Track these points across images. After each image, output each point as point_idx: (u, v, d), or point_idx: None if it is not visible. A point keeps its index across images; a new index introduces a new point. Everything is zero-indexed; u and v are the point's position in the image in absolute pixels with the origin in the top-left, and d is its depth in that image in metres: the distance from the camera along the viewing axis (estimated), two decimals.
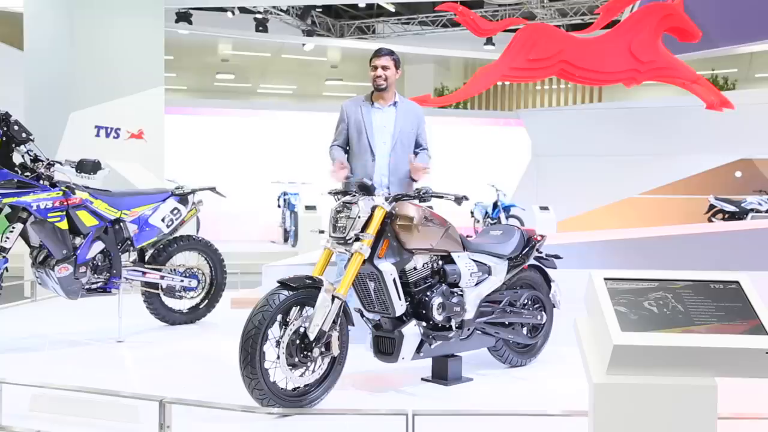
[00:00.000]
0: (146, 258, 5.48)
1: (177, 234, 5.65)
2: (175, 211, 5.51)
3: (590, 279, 2.41)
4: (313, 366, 3.54)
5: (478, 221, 15.46)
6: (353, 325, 3.72)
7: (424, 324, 3.87)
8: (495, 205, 15.36)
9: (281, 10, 18.75)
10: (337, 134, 4.81)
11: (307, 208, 12.04)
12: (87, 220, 4.89)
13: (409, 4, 19.62)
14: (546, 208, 13.59)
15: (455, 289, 4.01)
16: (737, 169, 17.25)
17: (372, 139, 4.70)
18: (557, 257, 4.64)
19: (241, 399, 3.41)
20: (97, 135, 8.68)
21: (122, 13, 8.99)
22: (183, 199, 5.61)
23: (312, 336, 3.46)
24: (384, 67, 4.72)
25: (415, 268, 3.90)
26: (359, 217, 3.68)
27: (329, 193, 4.19)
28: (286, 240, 15.37)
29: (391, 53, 4.79)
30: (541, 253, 4.55)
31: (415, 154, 4.81)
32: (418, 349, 3.86)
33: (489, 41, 18.69)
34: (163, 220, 5.41)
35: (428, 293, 3.90)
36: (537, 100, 24.37)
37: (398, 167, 4.68)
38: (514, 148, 18.20)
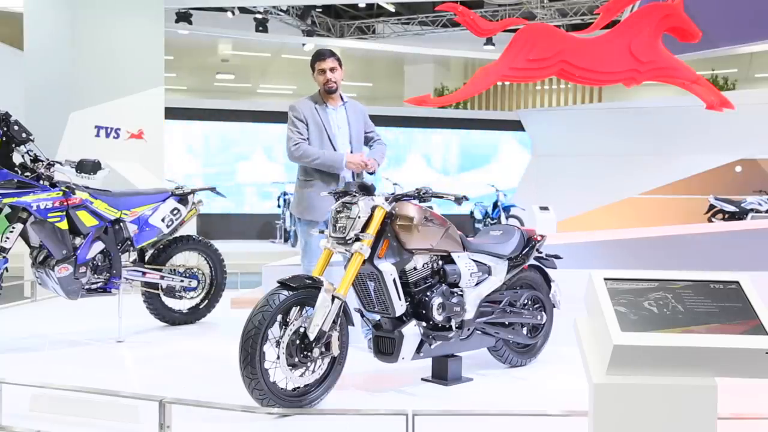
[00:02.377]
0: (146, 258, 5.48)
1: (177, 234, 5.65)
2: (175, 211, 5.51)
3: (590, 279, 2.41)
4: (313, 366, 3.54)
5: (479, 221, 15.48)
6: (353, 325, 3.72)
7: (424, 324, 3.86)
8: (495, 205, 15.37)
9: (281, 10, 18.74)
10: (300, 133, 4.76)
11: None
12: (87, 220, 4.89)
13: (409, 4, 19.61)
14: (546, 208, 13.59)
15: (455, 289, 4.01)
16: (738, 166, 17.24)
17: (335, 141, 4.77)
18: (557, 257, 4.64)
19: (241, 399, 3.41)
20: (97, 135, 8.67)
21: (122, 13, 8.99)
22: (183, 199, 5.61)
23: (312, 336, 3.46)
24: (332, 70, 4.78)
25: (415, 268, 3.90)
26: (359, 217, 3.69)
27: (329, 193, 4.19)
28: (286, 240, 15.38)
29: (333, 54, 4.85)
30: (541, 253, 4.55)
31: (370, 147, 4.98)
32: (418, 349, 3.86)
33: (489, 41, 18.67)
34: (163, 220, 5.41)
35: (428, 293, 3.90)
36: (537, 100, 24.37)
37: None
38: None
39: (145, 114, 9.18)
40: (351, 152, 4.79)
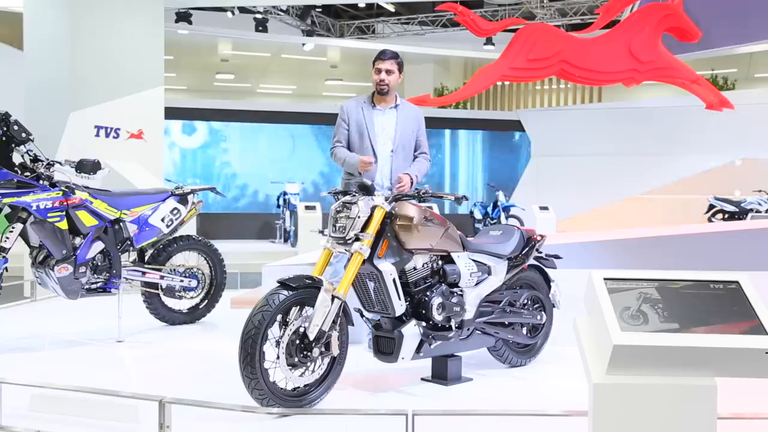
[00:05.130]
0: (146, 258, 5.48)
1: (177, 234, 5.65)
2: (175, 211, 5.51)
3: (590, 279, 2.40)
4: (312, 366, 3.54)
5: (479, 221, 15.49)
6: (353, 325, 3.72)
7: (423, 324, 3.86)
8: (495, 205, 15.38)
9: (281, 10, 18.74)
10: (338, 135, 4.75)
11: (307, 208, 12.05)
12: (87, 220, 4.89)
13: (409, 4, 19.60)
14: (546, 208, 13.59)
15: (455, 289, 4.01)
16: (740, 163, 17.17)
17: (374, 142, 4.68)
18: (557, 257, 4.64)
19: (241, 399, 3.41)
20: (97, 135, 8.68)
21: (122, 13, 9.00)
22: (183, 199, 5.61)
23: (312, 336, 3.46)
24: (388, 72, 4.69)
25: (414, 268, 3.90)
26: (359, 217, 3.68)
27: (329, 193, 4.18)
28: (286, 240, 15.38)
29: (396, 56, 4.74)
30: (541, 253, 4.55)
31: (414, 158, 4.82)
32: (418, 349, 3.86)
33: (489, 41, 18.68)
34: (162, 220, 5.41)
35: (428, 293, 3.90)
36: (537, 100, 24.36)
37: (399, 170, 4.67)
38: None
39: (145, 114, 9.19)
40: (392, 156, 4.66)
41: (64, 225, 4.75)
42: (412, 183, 4.59)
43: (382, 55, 4.72)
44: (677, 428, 2.19)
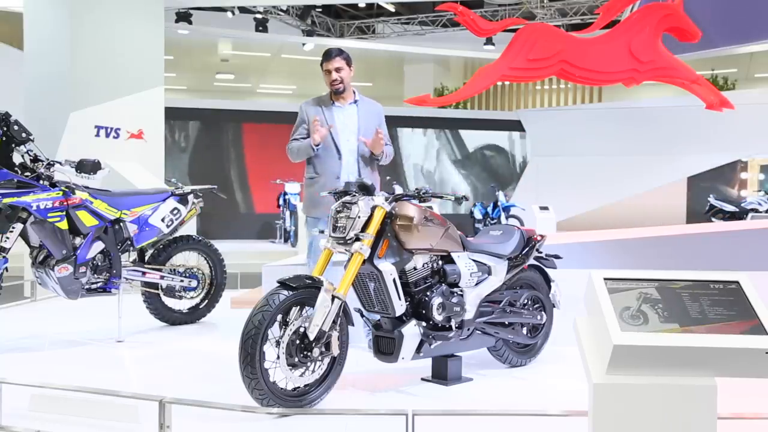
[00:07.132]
0: (146, 258, 5.48)
1: (177, 234, 5.65)
2: (175, 211, 5.51)
3: (590, 279, 2.40)
4: (313, 366, 3.54)
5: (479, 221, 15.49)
6: (353, 325, 3.72)
7: (424, 324, 3.86)
8: (495, 205, 15.38)
9: (281, 10, 18.74)
10: (297, 134, 4.82)
11: None
12: (87, 220, 4.89)
13: (409, 4, 19.61)
14: (546, 208, 13.59)
15: (455, 289, 4.01)
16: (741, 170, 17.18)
17: (337, 138, 4.72)
18: (557, 257, 4.64)
19: (241, 399, 3.41)
20: (97, 135, 8.68)
21: (122, 13, 9.00)
22: (183, 199, 5.61)
23: (312, 336, 3.46)
24: (338, 69, 4.73)
25: (415, 268, 3.90)
26: (359, 217, 3.68)
27: (329, 193, 4.19)
28: (286, 240, 15.38)
29: (341, 53, 4.78)
30: (541, 253, 4.55)
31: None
32: (418, 349, 3.86)
33: (489, 41, 18.68)
34: (163, 220, 5.42)
35: (428, 293, 3.90)
36: (537, 100, 24.37)
37: (364, 165, 4.76)
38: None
39: (145, 114, 9.19)
40: (357, 150, 4.72)
41: (64, 225, 4.75)
42: (383, 153, 4.71)
43: (327, 57, 4.77)
44: (677, 428, 2.19)
